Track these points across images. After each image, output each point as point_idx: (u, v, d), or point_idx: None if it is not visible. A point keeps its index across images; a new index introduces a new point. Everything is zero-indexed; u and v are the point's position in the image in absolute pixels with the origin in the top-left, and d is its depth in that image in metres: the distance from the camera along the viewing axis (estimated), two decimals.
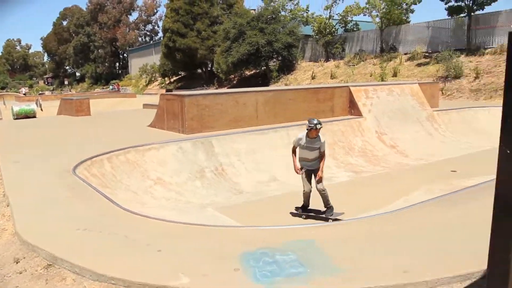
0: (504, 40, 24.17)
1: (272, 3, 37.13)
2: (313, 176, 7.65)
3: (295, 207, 7.90)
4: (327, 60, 33.73)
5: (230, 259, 3.74)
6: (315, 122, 7.43)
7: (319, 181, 7.47)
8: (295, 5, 37.54)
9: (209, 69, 44.74)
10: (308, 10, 36.75)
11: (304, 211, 7.77)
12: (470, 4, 25.83)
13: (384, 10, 30.44)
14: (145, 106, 23.28)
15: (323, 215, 7.38)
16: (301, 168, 7.74)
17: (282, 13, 36.82)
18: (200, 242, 4.34)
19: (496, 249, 2.37)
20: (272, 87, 28.65)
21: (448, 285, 3.23)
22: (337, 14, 35.34)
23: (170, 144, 10.45)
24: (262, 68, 35.31)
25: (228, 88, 36.11)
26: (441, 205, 5.42)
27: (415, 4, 30.43)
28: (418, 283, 3.20)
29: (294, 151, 7.85)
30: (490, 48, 24.68)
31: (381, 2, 30.31)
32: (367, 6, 31.73)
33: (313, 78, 30.94)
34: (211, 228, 5.30)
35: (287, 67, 34.44)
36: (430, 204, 5.71)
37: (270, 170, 10.56)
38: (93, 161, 8.86)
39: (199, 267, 3.62)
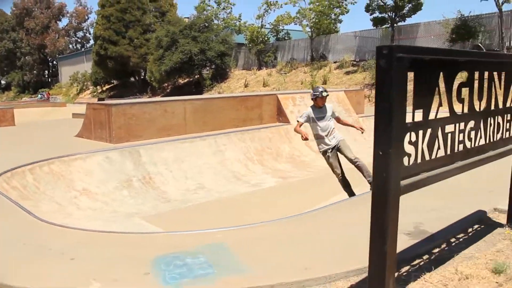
0: None
1: (205, 12, 37.29)
2: (338, 154, 7.29)
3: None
4: (259, 68, 34.26)
5: (142, 264, 3.83)
6: (321, 89, 7.12)
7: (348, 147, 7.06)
8: (227, 14, 37.92)
9: (142, 77, 44.15)
10: (241, 19, 37.27)
11: (353, 195, 7.25)
12: (393, 16, 27.23)
13: (314, 20, 31.37)
14: (75, 115, 22.63)
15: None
16: (325, 153, 7.38)
17: (215, 21, 37.07)
18: (116, 249, 4.40)
19: (374, 244, 2.63)
20: (204, 95, 28.73)
21: (346, 279, 3.49)
22: (269, 23, 36.08)
23: (96, 154, 10.31)
24: (196, 76, 35.34)
25: (161, 96, 35.85)
26: (347, 206, 5.76)
27: (343, 14, 31.66)
28: (318, 278, 3.44)
29: (299, 126, 7.39)
30: None
31: (311, 12, 31.24)
32: (298, 15, 32.61)
33: (246, 86, 31.33)
34: (128, 235, 5.35)
35: (220, 75, 34.66)
36: (338, 206, 6.05)
37: (198, 178, 10.67)
38: (14, 172, 8.60)
39: (111, 273, 3.69)
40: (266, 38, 34.88)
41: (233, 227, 5.15)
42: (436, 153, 2.94)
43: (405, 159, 2.66)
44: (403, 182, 2.60)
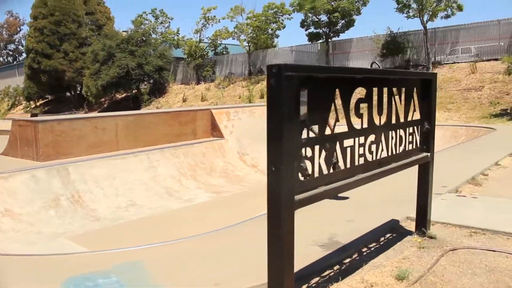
0: (356, 64, 26.55)
1: (142, 26, 36.93)
2: None
3: None
4: (198, 82, 34.25)
5: (52, 287, 3.72)
6: None
7: None
8: (165, 28, 37.76)
9: (78, 92, 42.93)
10: (179, 33, 37.15)
11: None
12: (327, 32, 28.07)
13: (251, 34, 31.77)
14: (2, 132, 21.69)
15: None
16: None
17: (153, 35, 36.77)
18: (28, 273, 4.24)
19: (271, 259, 2.68)
20: (137, 110, 28.32)
21: None
22: (207, 38, 36.14)
23: (21, 173, 9.89)
24: (133, 91, 34.84)
25: (98, 111, 35.12)
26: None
27: (280, 29, 32.26)
28: None
29: None
30: None
31: (248, 27, 31.63)
32: (236, 30, 32.92)
33: (184, 101, 31.20)
34: (45, 257, 5.17)
35: (158, 90, 34.36)
36: (261, 219, 6.11)
37: (129, 194, 10.47)
38: None
39: None
40: (204, 53, 34.95)
41: (153, 244, 5.10)
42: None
43: (301, 174, 2.74)
44: (299, 197, 2.68)
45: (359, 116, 3.29)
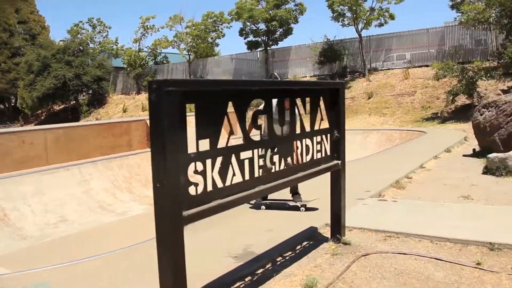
0: (296, 71, 27.01)
1: (79, 35, 36.04)
2: None
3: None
4: (138, 92, 33.72)
5: None
6: None
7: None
8: (104, 37, 36.98)
9: (13, 104, 41.26)
10: (118, 43, 36.48)
11: (265, 199, 6.37)
12: (266, 40, 28.39)
13: (191, 43, 31.65)
14: None
15: (291, 203, 6.25)
16: None
17: (91, 45, 35.95)
18: None
19: (162, 275, 2.63)
20: (75, 122, 27.47)
21: None
22: (146, 47, 35.70)
23: None
24: (72, 102, 33.87)
25: (35, 124, 33.88)
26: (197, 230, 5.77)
27: (219, 38, 32.34)
28: None
29: None
30: (286, 78, 27.36)
31: (188, 36, 31.49)
32: (175, 39, 32.68)
33: (124, 111, 30.61)
34: None
35: (98, 101, 33.57)
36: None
37: (60, 210, 10.11)
38: None
39: None
40: (144, 62, 34.46)
41: (67, 263, 4.93)
42: (232, 180, 3.03)
43: (192, 189, 2.70)
44: (188, 212, 2.64)
45: (257, 128, 3.30)
